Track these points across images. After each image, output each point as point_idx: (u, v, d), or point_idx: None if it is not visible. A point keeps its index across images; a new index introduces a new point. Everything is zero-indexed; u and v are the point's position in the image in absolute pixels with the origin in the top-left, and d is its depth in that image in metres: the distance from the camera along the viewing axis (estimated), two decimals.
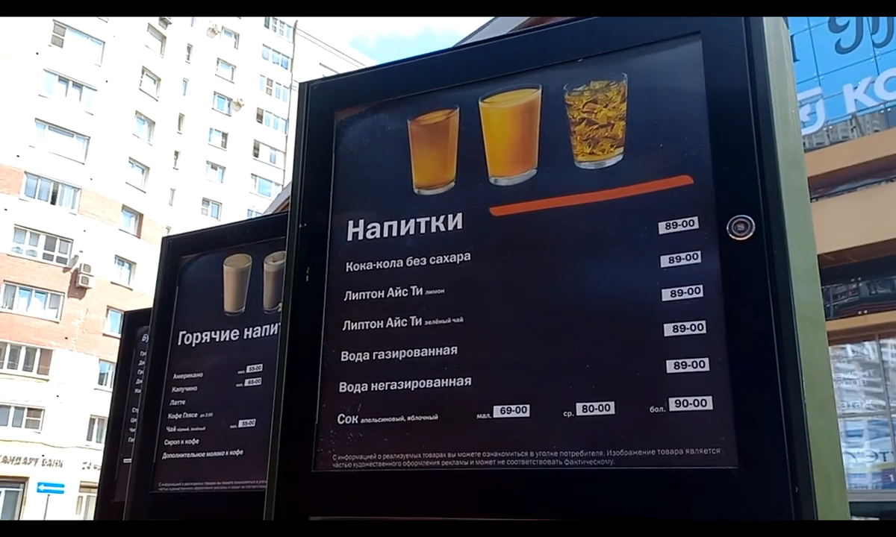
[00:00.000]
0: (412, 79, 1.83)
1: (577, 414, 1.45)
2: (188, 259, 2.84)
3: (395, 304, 1.69)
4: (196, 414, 2.61)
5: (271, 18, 55.35)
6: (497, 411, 1.52)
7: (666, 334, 1.42)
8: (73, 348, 34.25)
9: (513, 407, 1.51)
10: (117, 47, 38.58)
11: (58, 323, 34.16)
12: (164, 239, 2.91)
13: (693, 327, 1.41)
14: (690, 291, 1.43)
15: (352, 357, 1.69)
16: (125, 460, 3.57)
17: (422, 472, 1.54)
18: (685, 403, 1.38)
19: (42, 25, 35.82)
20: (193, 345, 2.71)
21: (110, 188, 37.11)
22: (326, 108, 1.89)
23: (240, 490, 2.44)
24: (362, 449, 1.61)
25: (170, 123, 42.75)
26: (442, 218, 1.70)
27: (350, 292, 1.74)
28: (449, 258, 1.67)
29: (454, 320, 1.62)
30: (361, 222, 1.78)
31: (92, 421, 34.53)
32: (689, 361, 1.39)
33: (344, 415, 1.65)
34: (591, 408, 1.44)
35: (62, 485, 31.42)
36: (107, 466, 3.62)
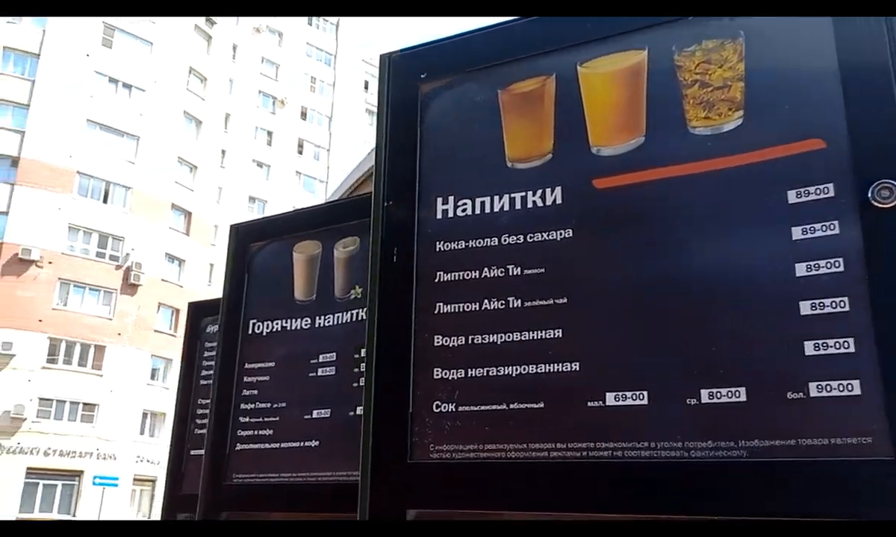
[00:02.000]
0: (502, 45, 1.72)
1: (703, 401, 1.33)
2: (256, 246, 2.77)
3: (491, 285, 1.58)
4: (269, 405, 2.53)
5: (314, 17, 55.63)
6: (610, 398, 1.40)
7: (803, 312, 1.29)
8: (125, 344, 34.85)
9: (628, 394, 1.39)
10: (165, 48, 39.12)
11: (111, 319, 34.77)
12: (232, 226, 2.84)
13: (834, 304, 1.28)
14: (829, 265, 1.30)
15: (446, 341, 1.59)
16: (192, 451, 3.54)
17: (528, 464, 1.43)
18: (828, 388, 1.25)
19: (92, 27, 36.48)
20: (264, 333, 2.64)
21: (160, 187, 37.66)
22: (410, 79, 1.79)
23: (316, 481, 2.36)
24: (462, 439, 1.51)
25: (216, 122, 43.21)
26: (539, 192, 1.59)
27: (442, 273, 1.63)
28: (548, 235, 1.56)
29: (556, 301, 1.51)
30: (451, 199, 1.68)
31: (144, 415, 35.16)
32: (830, 342, 1.26)
33: (440, 403, 1.55)
34: (719, 395, 1.32)
35: (116, 479, 32.02)
36: (174, 458, 3.59)
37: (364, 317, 2.46)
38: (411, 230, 1.68)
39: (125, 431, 33.84)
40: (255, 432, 2.53)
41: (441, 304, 1.61)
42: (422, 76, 1.77)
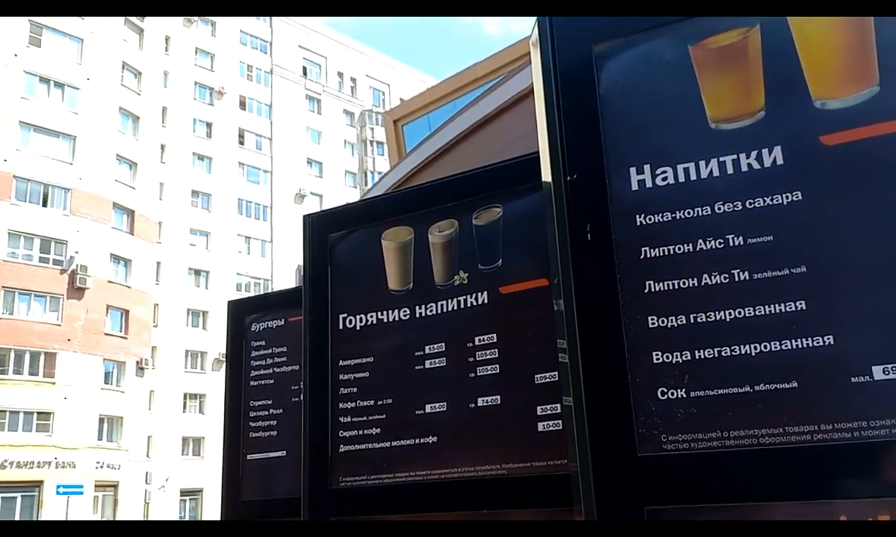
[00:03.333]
0: None
1: None
2: (336, 237, 2.59)
3: (709, 258, 1.46)
4: (372, 402, 2.37)
5: None
6: (878, 372, 1.29)
7: None
8: (76, 349, 33.82)
9: None
10: (96, 44, 37.79)
11: (59, 325, 33.68)
12: (305, 217, 2.65)
13: None
14: None
15: (662, 322, 1.46)
16: (249, 456, 3.35)
17: (788, 449, 1.32)
18: None
19: (18, 26, 35.01)
20: (358, 328, 2.47)
21: (100, 186, 36.50)
22: (581, 41, 1.64)
23: (438, 480, 2.21)
24: (700, 427, 1.39)
25: (154, 117, 41.94)
26: (754, 154, 1.47)
27: (647, 249, 1.50)
28: (772, 200, 1.44)
29: (793, 271, 1.39)
30: (647, 168, 1.54)
31: (101, 420, 34.23)
32: None
33: (666, 389, 1.42)
34: None
35: (81, 486, 31.17)
36: (229, 464, 3.38)
37: (474, 304, 2.33)
38: (604, 204, 1.54)
39: (83, 438, 32.89)
40: (360, 432, 2.37)
41: (651, 282, 1.48)
42: (594, 36, 1.63)
